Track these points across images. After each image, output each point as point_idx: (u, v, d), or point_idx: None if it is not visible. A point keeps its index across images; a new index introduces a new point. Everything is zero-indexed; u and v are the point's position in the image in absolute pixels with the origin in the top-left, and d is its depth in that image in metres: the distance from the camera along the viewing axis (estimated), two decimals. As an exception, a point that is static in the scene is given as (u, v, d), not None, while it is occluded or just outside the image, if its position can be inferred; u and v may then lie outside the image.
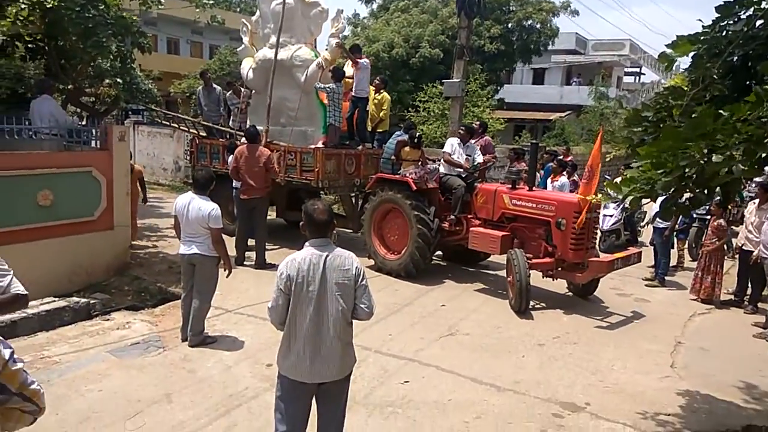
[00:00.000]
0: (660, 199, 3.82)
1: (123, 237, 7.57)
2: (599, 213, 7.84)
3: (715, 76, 3.56)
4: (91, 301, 6.47)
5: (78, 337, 5.72)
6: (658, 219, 8.68)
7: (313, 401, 3.38)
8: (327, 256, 3.24)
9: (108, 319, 6.25)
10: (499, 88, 24.85)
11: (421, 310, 7.03)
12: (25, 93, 10.64)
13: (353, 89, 9.54)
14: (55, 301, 6.24)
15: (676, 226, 9.15)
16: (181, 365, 5.21)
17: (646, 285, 8.78)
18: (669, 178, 3.15)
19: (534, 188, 7.87)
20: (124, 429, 4.12)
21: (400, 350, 5.78)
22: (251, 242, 8.66)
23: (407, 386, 5.02)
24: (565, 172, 10.47)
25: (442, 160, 8.56)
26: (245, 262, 8.51)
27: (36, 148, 7.04)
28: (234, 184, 9.04)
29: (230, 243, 9.12)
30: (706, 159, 3.00)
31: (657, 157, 3.15)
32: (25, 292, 3.02)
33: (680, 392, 5.20)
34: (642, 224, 11.81)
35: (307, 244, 3.31)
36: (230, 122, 10.79)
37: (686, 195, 3.53)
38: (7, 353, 1.79)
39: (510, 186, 7.83)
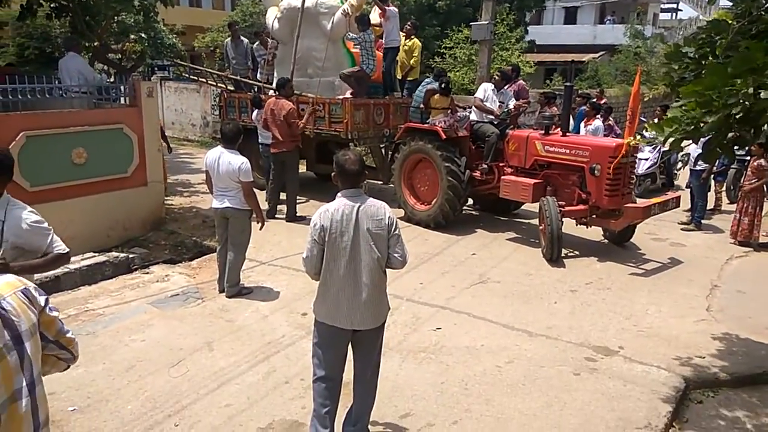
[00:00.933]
0: (702, 140, 3.67)
1: (157, 193, 7.70)
2: (636, 157, 7.60)
3: (762, 12, 3.35)
4: (130, 256, 6.65)
5: (119, 290, 5.92)
6: (699, 161, 8.40)
7: (349, 347, 3.46)
8: (360, 206, 3.26)
9: (147, 273, 6.44)
10: (528, 29, 23.99)
11: (451, 259, 7.04)
12: (53, 52, 10.74)
13: (383, 39, 9.31)
14: (95, 256, 6.44)
15: (714, 168, 8.86)
16: (220, 315, 5.37)
17: (682, 229, 8.61)
18: (714, 118, 3.01)
19: (567, 133, 7.65)
20: (168, 376, 4.30)
21: (432, 298, 5.84)
22: (282, 195, 8.72)
23: (439, 333, 5.09)
24: (599, 116, 10.16)
25: (473, 107, 8.38)
26: (276, 215, 8.58)
27: (67, 106, 7.13)
28: (260, 138, 9.06)
29: (261, 196, 9.24)
30: (754, 96, 2.85)
31: (702, 95, 3.01)
32: (67, 250, 3.15)
33: (716, 335, 5.16)
34: (677, 169, 11.49)
35: (339, 194, 3.32)
36: (257, 75, 10.70)
37: (730, 135, 3.38)
38: (42, 300, 1.85)
39: (542, 132, 7.64)
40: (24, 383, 1.74)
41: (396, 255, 3.32)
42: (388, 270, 3.40)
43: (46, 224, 3.12)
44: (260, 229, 5.88)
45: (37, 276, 5.77)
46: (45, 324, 1.87)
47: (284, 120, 8.12)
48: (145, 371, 4.35)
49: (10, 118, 6.13)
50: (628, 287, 6.27)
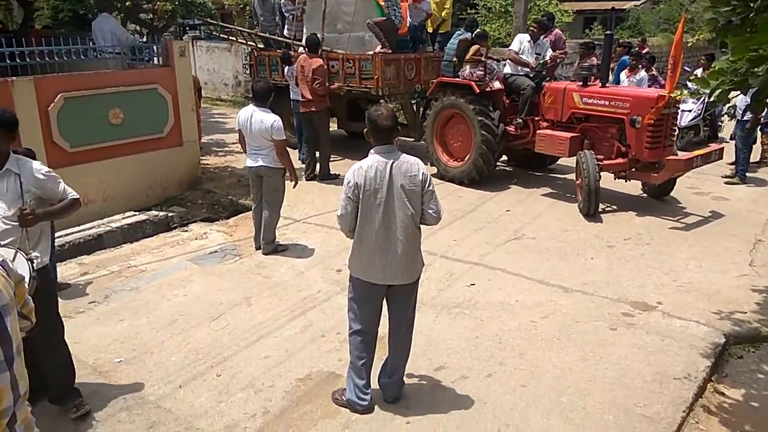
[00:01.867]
0: (751, 90, 3.48)
1: (192, 152, 7.80)
2: (678, 108, 7.30)
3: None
4: (169, 214, 6.81)
5: (160, 247, 6.09)
6: (746, 112, 8.03)
7: (384, 301, 3.49)
8: (393, 162, 3.23)
9: (186, 231, 6.58)
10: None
11: (485, 216, 6.98)
12: (86, 14, 10.80)
13: None
14: (135, 215, 6.61)
15: (761, 119, 8.45)
16: (257, 271, 5.48)
17: (725, 183, 8.32)
18: (764, 71, 2.84)
19: (607, 85, 7.38)
20: (209, 329, 4.44)
21: (465, 255, 5.83)
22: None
23: (473, 289, 5.10)
24: (641, 65, 9.76)
25: (507, 60, 8.14)
26: (314, 175, 8.48)
27: (102, 67, 7.22)
28: (291, 95, 9.01)
29: (293, 155, 9.28)
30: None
31: (753, 51, 2.83)
32: (78, 196, 3.37)
33: (758, 290, 5.03)
34: (722, 121, 11.02)
35: (372, 151, 3.29)
36: (285, 31, 10.57)
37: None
38: (19, 273, 1.87)
39: (580, 83, 7.39)
40: (2, 357, 1.74)
41: (430, 211, 3.30)
42: (422, 226, 3.39)
43: (54, 173, 3.33)
44: (294, 187, 5.92)
45: (80, 235, 6.03)
46: (19, 296, 1.88)
47: (312, 77, 8.01)
48: (187, 324, 4.50)
49: (48, 80, 6.24)
50: (668, 242, 6.12)
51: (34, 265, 3.09)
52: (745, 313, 4.64)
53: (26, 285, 1.91)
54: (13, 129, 3.16)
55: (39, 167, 3.27)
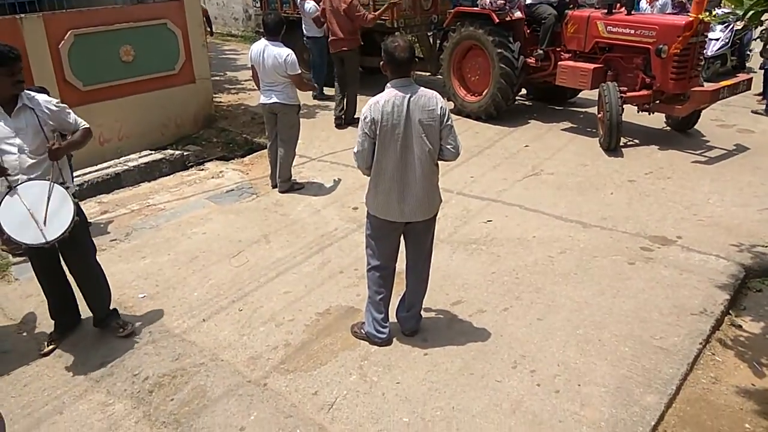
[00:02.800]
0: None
1: (205, 89, 7.70)
2: (706, 36, 6.98)
3: None
4: (185, 153, 6.81)
5: (177, 186, 6.12)
6: None
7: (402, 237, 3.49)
8: (410, 96, 3.14)
9: (202, 169, 6.60)
10: None
11: (503, 152, 6.88)
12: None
13: None
14: (151, 153, 6.62)
15: None
16: (274, 209, 5.51)
17: (753, 111, 8.05)
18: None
19: (633, 12, 7.05)
20: (229, 265, 4.51)
21: (483, 191, 5.78)
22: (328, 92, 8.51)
23: (490, 225, 5.08)
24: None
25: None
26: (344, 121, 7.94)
27: (110, 3, 7.04)
28: (304, 30, 8.74)
29: (308, 95, 9.12)
30: None
31: None
32: (88, 125, 3.46)
33: (781, 224, 4.96)
34: (750, 50, 10.57)
35: (388, 85, 3.21)
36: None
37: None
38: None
39: (605, 11, 7.05)
40: None
41: (448, 146, 3.23)
42: (439, 163, 3.33)
43: (63, 104, 3.41)
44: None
45: (98, 174, 6.08)
46: None
47: (345, 14, 7.40)
48: (207, 261, 4.57)
49: (57, 16, 6.11)
50: (689, 176, 6.01)
51: (72, 193, 3.31)
52: (766, 246, 4.58)
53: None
54: (8, 63, 3.10)
55: (48, 99, 3.35)
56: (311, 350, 3.53)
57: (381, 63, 3.25)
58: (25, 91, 3.28)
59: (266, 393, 3.19)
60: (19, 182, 3.18)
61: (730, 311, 3.93)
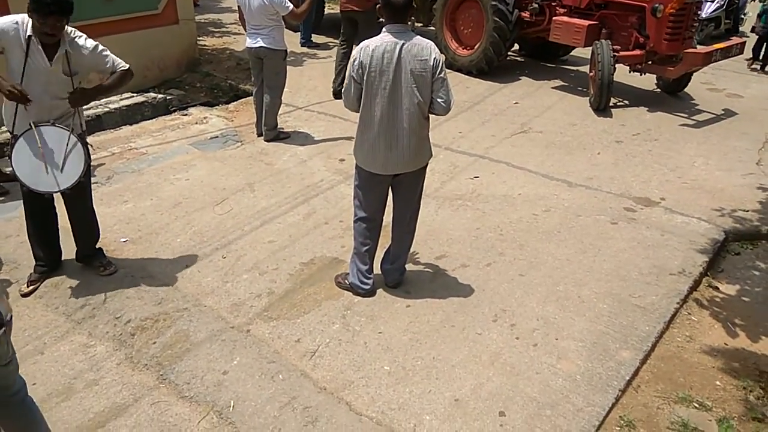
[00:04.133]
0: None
1: (189, 31, 7.45)
2: None
3: None
4: (168, 97, 6.62)
5: (160, 130, 5.98)
6: None
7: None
8: (404, 44, 3.04)
9: (186, 114, 6.44)
10: None
11: (492, 108, 6.81)
12: None
13: None
14: (133, 96, 6.43)
15: None
16: (259, 158, 5.43)
17: (749, 66, 8.04)
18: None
19: None
20: (213, 213, 4.47)
21: (471, 147, 5.75)
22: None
23: (476, 181, 5.07)
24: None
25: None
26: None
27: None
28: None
29: (293, 38, 8.88)
30: None
31: None
32: (128, 66, 3.37)
33: (763, 188, 5.02)
34: (745, 13, 10.47)
35: (384, 29, 3.11)
36: None
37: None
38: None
39: None
40: None
41: (439, 100, 3.13)
42: (429, 116, 3.27)
43: (101, 45, 3.30)
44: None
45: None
46: None
47: None
48: (191, 208, 4.52)
49: (32, -54, 5.79)
50: (676, 139, 6.02)
51: (83, 136, 3.33)
52: (747, 211, 4.65)
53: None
54: (70, 12, 3.04)
55: (84, 43, 3.22)
56: (295, 299, 3.54)
57: (377, 6, 3.15)
58: (71, 33, 3.17)
59: (249, 339, 3.21)
60: (39, 125, 3.16)
61: (708, 273, 4.01)
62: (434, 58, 3.07)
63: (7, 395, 2.12)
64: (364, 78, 3.08)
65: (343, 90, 3.23)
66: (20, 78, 3.09)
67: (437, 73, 3.08)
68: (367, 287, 3.54)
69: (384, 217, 3.55)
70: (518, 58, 8.82)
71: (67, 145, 3.20)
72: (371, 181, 3.37)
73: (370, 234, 3.51)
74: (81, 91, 3.22)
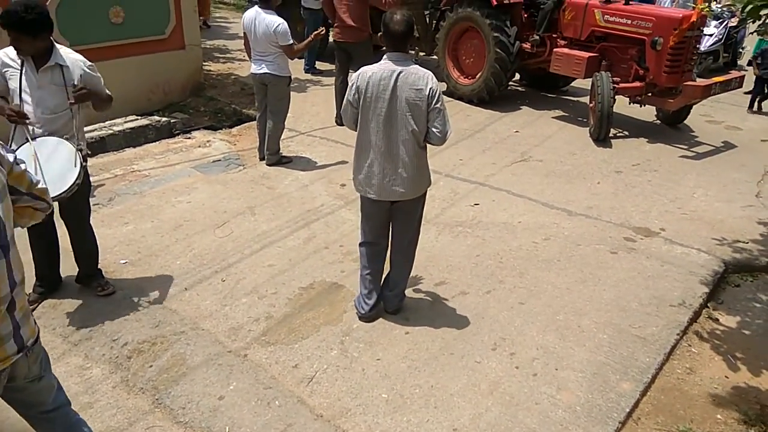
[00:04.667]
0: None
1: (195, 56, 7.55)
2: (702, 31, 7.00)
3: None
4: (172, 120, 6.68)
5: (163, 153, 6.02)
6: None
7: None
8: (400, 72, 3.07)
9: (189, 138, 6.49)
10: None
11: (493, 136, 6.87)
12: None
13: None
14: (137, 119, 6.49)
15: None
16: (261, 182, 5.45)
17: (745, 93, 8.14)
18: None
19: (631, 2, 7.02)
20: (213, 236, 4.47)
21: (471, 174, 5.78)
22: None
23: (477, 208, 5.09)
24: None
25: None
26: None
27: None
28: (302, 2, 8.56)
29: (297, 65, 8.99)
30: None
31: None
32: (111, 95, 3.49)
33: (763, 221, 5.02)
34: (743, 47, 10.62)
35: (384, 57, 3.17)
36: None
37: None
38: (11, 157, 1.85)
39: (604, 0, 7.03)
40: None
41: (434, 130, 3.12)
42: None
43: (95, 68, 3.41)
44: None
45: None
46: (16, 179, 1.86)
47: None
48: (191, 230, 4.52)
49: (44, -28, 5.92)
50: (676, 170, 6.06)
51: (83, 155, 3.35)
52: (747, 243, 4.65)
53: (20, 167, 1.88)
54: (33, 31, 3.04)
55: (83, 60, 3.33)
56: (293, 324, 3.52)
57: (379, 34, 3.23)
58: (60, 48, 3.24)
59: (246, 364, 3.18)
60: (36, 136, 3.20)
61: (708, 304, 3.99)
62: (430, 88, 3.08)
63: (40, 411, 2.13)
64: (360, 103, 3.14)
65: (342, 109, 3.31)
66: (18, 95, 3.17)
67: (433, 102, 3.08)
68: (363, 312, 3.54)
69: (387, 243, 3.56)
70: (519, 88, 8.92)
71: (62, 153, 3.21)
72: (370, 207, 3.40)
73: (369, 259, 3.52)
74: (84, 88, 3.27)
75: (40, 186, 1.98)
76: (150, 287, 3.81)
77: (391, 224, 3.49)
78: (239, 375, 3.10)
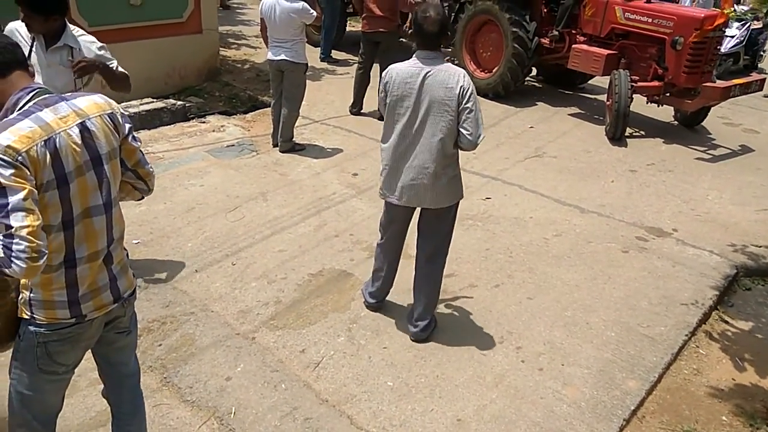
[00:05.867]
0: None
1: (212, 41, 7.56)
2: (724, 32, 6.89)
3: None
4: (187, 104, 6.71)
5: (178, 136, 6.05)
6: None
7: None
8: (429, 71, 2.89)
9: (203, 122, 6.52)
10: None
11: (507, 131, 6.84)
12: None
13: None
14: (153, 101, 6.52)
15: None
16: (274, 168, 5.47)
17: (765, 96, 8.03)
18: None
19: (652, 0, 6.92)
20: (225, 220, 4.50)
21: (483, 168, 5.76)
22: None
23: (488, 202, 5.08)
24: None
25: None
26: (362, 111, 7.00)
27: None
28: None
29: (314, 52, 8.98)
30: None
31: None
32: (128, 74, 3.39)
33: (777, 226, 4.98)
34: (764, 50, 10.47)
35: (413, 55, 3.01)
36: None
37: None
38: (126, 127, 1.89)
39: None
40: (101, 201, 1.83)
41: (464, 131, 2.89)
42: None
43: (106, 48, 3.34)
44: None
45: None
46: (126, 152, 1.93)
47: None
48: (203, 214, 4.55)
49: (66, -49, 5.94)
50: (691, 171, 6.00)
51: None
52: (760, 247, 4.61)
53: (134, 143, 1.94)
54: (45, 11, 2.99)
55: (94, 40, 3.27)
56: (301, 309, 3.55)
57: (410, 30, 3.17)
58: (73, 29, 3.20)
59: (254, 346, 3.21)
60: None
61: (718, 307, 3.97)
62: (461, 86, 2.88)
63: (120, 372, 2.21)
64: (387, 101, 3.02)
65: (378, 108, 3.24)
66: None
67: (464, 102, 2.87)
68: (370, 303, 3.54)
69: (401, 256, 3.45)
70: (536, 84, 8.86)
71: None
72: (390, 211, 3.25)
73: (383, 261, 3.38)
74: (85, 59, 3.10)
75: (146, 168, 2.02)
76: (161, 268, 3.84)
77: (417, 237, 3.29)
78: (247, 357, 3.13)
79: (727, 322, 3.86)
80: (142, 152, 1.98)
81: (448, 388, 3.01)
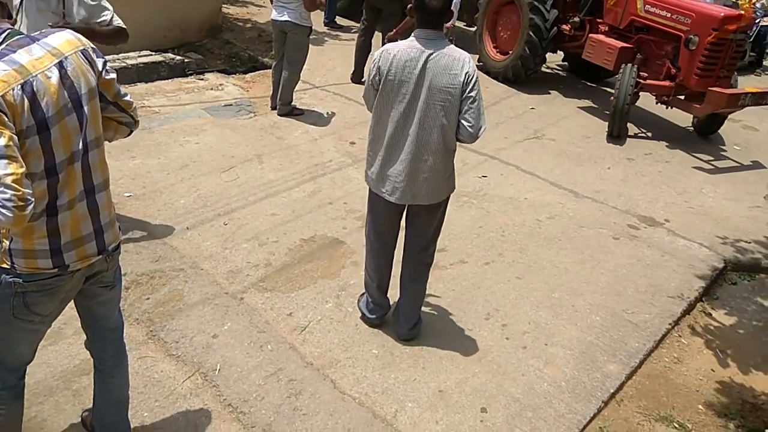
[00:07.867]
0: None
1: (214, -3, 7.43)
2: (748, 35, 6.44)
3: None
4: (186, 60, 6.60)
5: (175, 91, 5.96)
6: None
7: None
8: (431, 53, 2.58)
9: (201, 79, 6.42)
10: None
11: (508, 111, 6.79)
12: None
13: None
14: (151, 54, 6.42)
15: None
16: (270, 131, 5.41)
17: None
18: None
19: None
20: (219, 179, 4.46)
21: (481, 146, 5.69)
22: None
23: (484, 180, 5.07)
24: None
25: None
26: (362, 79, 6.66)
27: None
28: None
29: (316, 16, 8.82)
30: None
31: None
32: (125, 27, 3.24)
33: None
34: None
35: (413, 34, 2.69)
36: None
37: None
38: (100, 63, 1.83)
39: None
40: (80, 146, 1.77)
41: (465, 123, 2.62)
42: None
43: (107, 3, 3.19)
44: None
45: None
46: (104, 85, 1.86)
47: None
48: (197, 171, 4.51)
49: None
50: (688, 163, 6.01)
51: None
52: (749, 242, 4.65)
53: (109, 75, 1.86)
54: None
55: None
56: (291, 273, 3.55)
57: (408, 6, 2.97)
58: None
59: (242, 307, 3.21)
60: None
61: (704, 299, 4.01)
62: (466, 72, 2.59)
63: (103, 326, 2.20)
64: (380, 86, 2.66)
65: (363, 95, 2.87)
66: (17, 17, 3.01)
67: (468, 90, 2.60)
68: (371, 318, 3.19)
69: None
70: (561, 72, 8.66)
71: None
72: (379, 206, 2.92)
73: (376, 265, 3.08)
74: (66, 22, 2.93)
75: (126, 99, 1.96)
76: (153, 222, 3.82)
77: (405, 232, 3.04)
78: (234, 317, 3.13)
79: (710, 315, 3.91)
80: (117, 83, 1.92)
81: (432, 359, 3.04)
